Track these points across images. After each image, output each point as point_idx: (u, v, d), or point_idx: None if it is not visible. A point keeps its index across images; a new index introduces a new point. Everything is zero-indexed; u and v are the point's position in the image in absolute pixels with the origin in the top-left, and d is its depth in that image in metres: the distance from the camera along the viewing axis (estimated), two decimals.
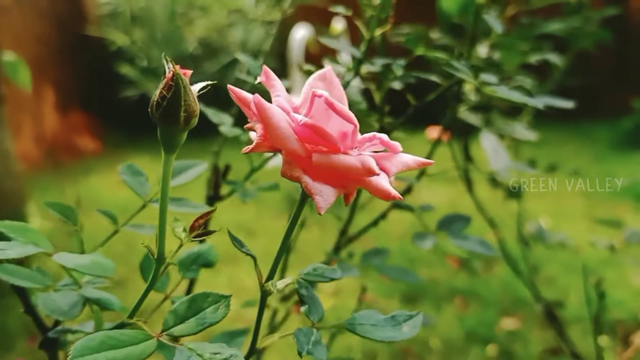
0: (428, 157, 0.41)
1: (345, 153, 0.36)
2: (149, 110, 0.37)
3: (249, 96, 0.37)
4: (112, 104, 3.08)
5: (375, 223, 0.76)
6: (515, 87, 0.90)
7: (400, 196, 0.35)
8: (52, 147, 2.82)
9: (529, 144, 1.13)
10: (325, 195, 0.35)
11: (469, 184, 0.91)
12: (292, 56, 2.51)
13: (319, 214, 0.34)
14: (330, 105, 0.34)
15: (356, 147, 0.37)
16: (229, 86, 0.39)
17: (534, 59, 0.93)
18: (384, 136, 0.38)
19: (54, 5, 2.90)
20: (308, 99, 0.37)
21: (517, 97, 0.57)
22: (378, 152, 0.39)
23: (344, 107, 0.35)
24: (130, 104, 3.03)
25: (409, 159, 0.39)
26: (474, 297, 1.79)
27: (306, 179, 0.35)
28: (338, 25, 2.81)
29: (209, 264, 0.56)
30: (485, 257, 2.06)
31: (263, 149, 0.35)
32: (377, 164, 0.35)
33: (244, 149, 0.36)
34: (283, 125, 0.34)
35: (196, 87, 0.39)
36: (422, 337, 1.56)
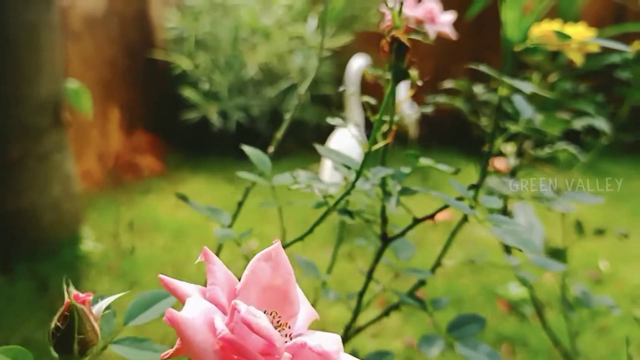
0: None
1: None
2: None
3: (181, 290, 0.36)
4: (174, 125, 3.18)
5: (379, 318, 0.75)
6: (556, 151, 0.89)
7: None
8: (116, 166, 2.93)
9: (595, 175, 1.09)
10: None
11: None
12: (348, 85, 2.53)
13: None
14: (248, 325, 0.30)
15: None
16: (160, 276, 0.36)
17: (579, 124, 0.91)
18: (317, 346, 0.32)
19: (124, 30, 3.02)
20: (249, 283, 0.34)
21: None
22: None
23: (263, 325, 0.30)
24: (191, 126, 3.13)
25: None
26: (523, 345, 1.75)
27: None
28: None
29: None
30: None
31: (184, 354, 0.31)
32: None
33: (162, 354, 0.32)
34: (199, 340, 0.31)
35: (100, 306, 0.39)
36: None
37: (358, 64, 2.52)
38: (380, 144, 0.60)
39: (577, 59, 0.88)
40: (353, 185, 0.59)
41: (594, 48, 0.90)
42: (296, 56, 3.11)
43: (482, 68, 0.61)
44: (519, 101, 0.64)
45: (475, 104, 0.93)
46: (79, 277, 1.92)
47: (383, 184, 0.62)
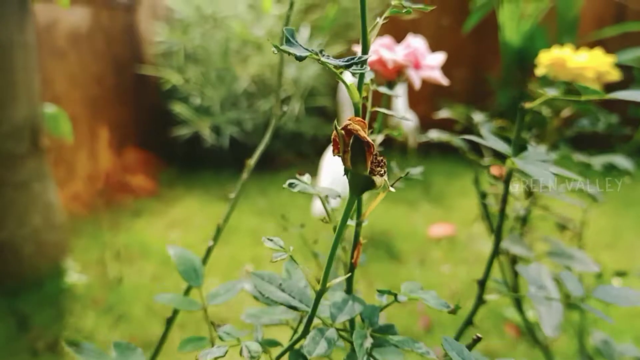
0: None
1: None
2: None
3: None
4: (166, 142, 3.07)
5: None
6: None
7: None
8: (106, 186, 2.83)
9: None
10: None
11: None
12: (341, 97, 2.43)
13: None
14: None
15: None
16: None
17: (598, 163, 0.80)
18: None
19: (111, 46, 2.92)
20: None
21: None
22: None
23: None
24: (183, 142, 3.02)
25: None
26: None
27: None
28: None
29: None
30: None
31: None
32: None
33: None
34: None
35: None
36: None
37: (351, 78, 2.42)
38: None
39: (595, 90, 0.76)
40: (307, 329, 0.47)
41: (613, 77, 0.78)
42: (289, 67, 3.00)
43: (491, 142, 0.49)
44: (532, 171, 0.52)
45: (473, 131, 0.81)
46: (62, 312, 1.82)
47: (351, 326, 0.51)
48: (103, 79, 2.89)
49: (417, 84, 0.61)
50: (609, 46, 3.31)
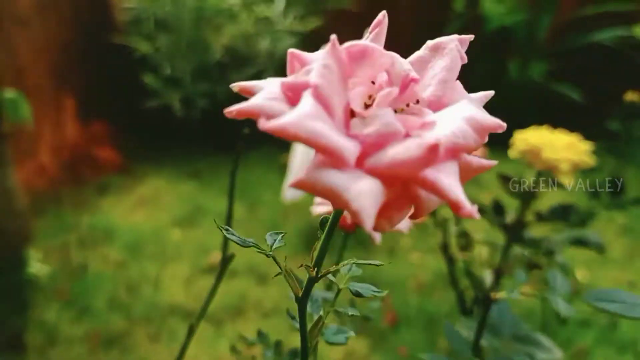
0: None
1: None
2: None
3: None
4: (135, 114, 2.98)
5: None
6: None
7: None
8: (72, 159, 2.75)
9: None
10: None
11: None
12: None
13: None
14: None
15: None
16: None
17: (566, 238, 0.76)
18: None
19: (78, 13, 2.79)
20: None
21: None
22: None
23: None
24: (152, 114, 2.93)
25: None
26: None
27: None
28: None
29: None
30: None
31: None
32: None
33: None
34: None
35: None
36: None
37: None
38: None
39: (568, 181, 0.72)
40: None
41: (589, 162, 0.74)
42: (263, 39, 2.91)
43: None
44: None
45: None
46: (24, 305, 1.77)
47: None
48: (69, 48, 2.77)
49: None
50: (588, 24, 3.26)
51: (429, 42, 0.36)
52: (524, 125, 0.85)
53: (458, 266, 0.79)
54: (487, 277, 0.75)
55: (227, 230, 0.43)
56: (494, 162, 0.33)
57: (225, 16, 2.93)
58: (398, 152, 0.28)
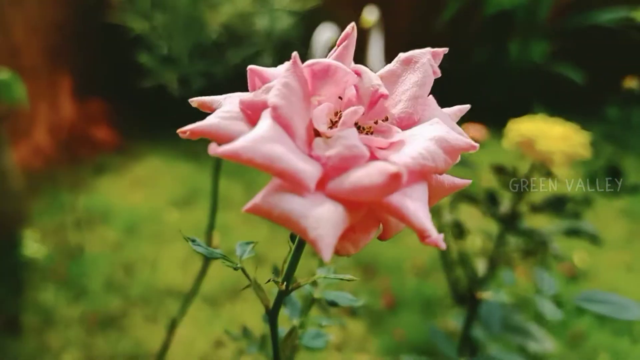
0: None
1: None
2: None
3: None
4: (131, 94, 2.96)
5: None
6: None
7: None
8: (68, 138, 2.74)
9: None
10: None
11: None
12: (314, 51, 2.34)
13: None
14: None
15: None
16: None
17: (562, 228, 0.76)
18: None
19: None
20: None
21: None
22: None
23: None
24: (149, 93, 2.91)
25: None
26: None
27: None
28: (370, 15, 2.61)
29: None
30: None
31: None
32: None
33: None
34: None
35: None
36: None
37: (325, 36, 2.32)
38: None
39: (561, 172, 0.71)
40: None
41: (584, 154, 0.73)
42: (261, 18, 2.88)
43: None
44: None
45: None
46: (21, 286, 1.77)
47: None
48: (65, 26, 2.74)
49: None
50: (590, 5, 3.23)
51: (401, 55, 0.35)
52: (524, 107, 0.84)
53: (452, 255, 0.79)
54: (481, 266, 0.75)
55: (193, 241, 0.42)
56: (467, 181, 0.32)
57: None
58: (360, 177, 0.27)
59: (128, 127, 2.95)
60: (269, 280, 0.39)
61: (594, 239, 0.76)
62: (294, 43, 2.96)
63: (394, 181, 0.26)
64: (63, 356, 1.55)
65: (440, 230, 0.78)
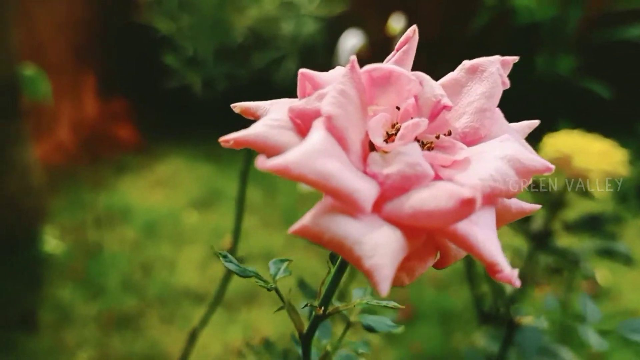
0: None
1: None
2: None
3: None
4: (154, 94, 2.97)
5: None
6: None
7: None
8: (91, 137, 2.75)
9: None
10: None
11: None
12: (340, 59, 2.32)
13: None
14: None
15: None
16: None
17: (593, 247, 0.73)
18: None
19: None
20: None
21: None
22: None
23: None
24: (172, 94, 2.92)
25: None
26: None
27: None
28: (397, 23, 2.60)
29: None
30: None
31: None
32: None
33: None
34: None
35: None
36: None
37: (351, 43, 2.31)
38: None
39: (598, 191, 0.68)
40: None
41: (622, 172, 0.70)
42: (287, 23, 2.88)
43: None
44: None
45: None
46: (38, 282, 1.77)
47: None
48: (90, 25, 2.76)
49: None
50: (619, 20, 3.18)
51: (466, 63, 0.32)
52: (552, 121, 0.81)
53: (477, 270, 0.77)
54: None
55: (225, 257, 0.38)
56: (536, 207, 0.29)
57: None
58: (424, 200, 0.24)
59: (150, 127, 2.95)
60: (305, 305, 0.35)
61: (627, 260, 0.74)
62: (319, 49, 2.95)
63: (465, 207, 0.23)
64: (78, 354, 1.55)
65: None
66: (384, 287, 0.23)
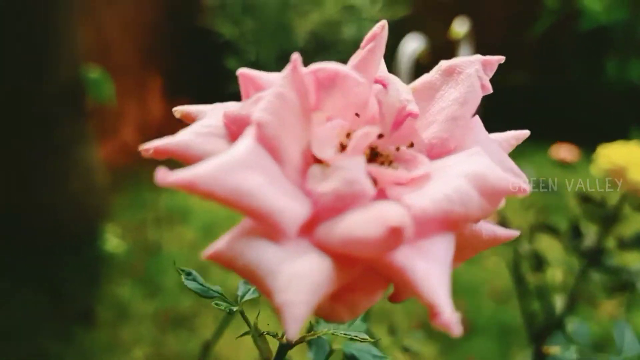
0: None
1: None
2: None
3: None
4: (217, 97, 3.00)
5: None
6: None
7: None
8: (156, 137, 2.80)
9: None
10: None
11: None
12: (399, 71, 2.30)
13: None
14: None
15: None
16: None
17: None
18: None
19: None
20: None
21: None
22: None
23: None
24: (234, 98, 2.95)
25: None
26: None
27: None
28: (461, 27, 2.55)
29: None
30: None
31: None
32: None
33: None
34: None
35: None
36: None
37: (412, 47, 2.28)
38: None
39: None
40: None
41: None
42: (348, 27, 2.87)
43: None
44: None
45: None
46: (98, 279, 1.83)
47: None
48: (157, 28, 2.83)
49: None
50: None
51: (442, 63, 0.28)
52: (623, 130, 0.78)
53: (529, 288, 0.74)
54: (558, 302, 0.70)
55: (188, 275, 0.35)
56: (514, 233, 0.25)
57: (311, 2, 2.91)
58: (354, 225, 0.20)
59: None
60: (266, 333, 0.31)
61: None
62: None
63: (392, 237, 0.19)
64: (134, 351, 1.58)
65: (517, 260, 0.74)
66: (292, 330, 0.19)
